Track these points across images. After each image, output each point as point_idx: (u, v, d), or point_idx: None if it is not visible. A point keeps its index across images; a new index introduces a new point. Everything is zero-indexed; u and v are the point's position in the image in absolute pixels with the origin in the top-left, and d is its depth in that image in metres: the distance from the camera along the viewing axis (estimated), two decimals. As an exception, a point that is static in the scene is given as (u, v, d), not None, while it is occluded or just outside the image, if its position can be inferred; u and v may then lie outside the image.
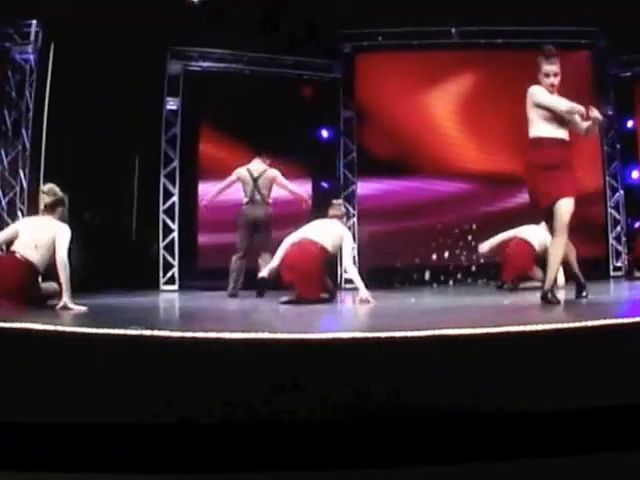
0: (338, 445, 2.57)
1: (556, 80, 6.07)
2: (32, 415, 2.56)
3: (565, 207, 6.06)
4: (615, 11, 9.76)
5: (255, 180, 9.23)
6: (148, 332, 3.67)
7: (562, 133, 6.06)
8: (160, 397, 2.69)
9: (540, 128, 6.04)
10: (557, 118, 6.00)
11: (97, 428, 2.51)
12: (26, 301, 6.59)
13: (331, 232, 7.83)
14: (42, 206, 6.92)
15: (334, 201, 8.38)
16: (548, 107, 5.94)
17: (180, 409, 2.65)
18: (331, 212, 8.12)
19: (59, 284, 6.57)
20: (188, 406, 2.66)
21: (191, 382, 2.77)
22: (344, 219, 8.26)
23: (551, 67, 6.07)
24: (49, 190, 6.95)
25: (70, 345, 3.41)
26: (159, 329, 3.75)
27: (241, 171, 9.40)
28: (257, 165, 9.41)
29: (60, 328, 3.93)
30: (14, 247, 6.78)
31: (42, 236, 6.75)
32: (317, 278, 7.65)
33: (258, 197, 9.20)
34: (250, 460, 2.48)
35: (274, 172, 9.35)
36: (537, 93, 5.99)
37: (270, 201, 9.25)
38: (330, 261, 8.25)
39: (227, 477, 2.45)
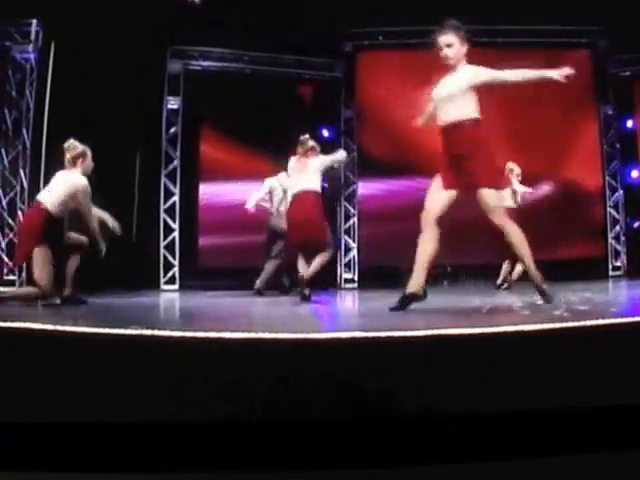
0: (338, 445, 2.57)
1: (450, 51, 5.87)
2: (32, 415, 2.57)
3: (491, 201, 5.58)
4: (615, 10, 9.76)
5: (284, 192, 9.42)
6: (148, 332, 3.68)
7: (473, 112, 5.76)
8: (161, 397, 2.70)
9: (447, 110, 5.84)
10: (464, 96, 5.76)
11: (97, 428, 2.51)
12: (45, 244, 6.94)
13: (314, 174, 8.13)
14: (65, 162, 7.27)
15: (301, 137, 8.39)
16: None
17: (180, 408, 2.66)
18: (301, 149, 8.28)
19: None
20: (188, 406, 2.67)
21: (191, 382, 2.78)
22: (313, 152, 8.33)
23: (441, 38, 5.87)
24: (69, 146, 7.27)
25: (70, 345, 3.42)
26: (159, 329, 3.75)
27: (273, 182, 9.79)
28: (284, 178, 9.54)
29: (60, 328, 3.94)
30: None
31: (56, 184, 7.22)
32: (323, 225, 8.12)
33: (283, 209, 9.40)
34: (250, 460, 2.48)
35: None
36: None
37: None
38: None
39: (227, 477, 2.45)
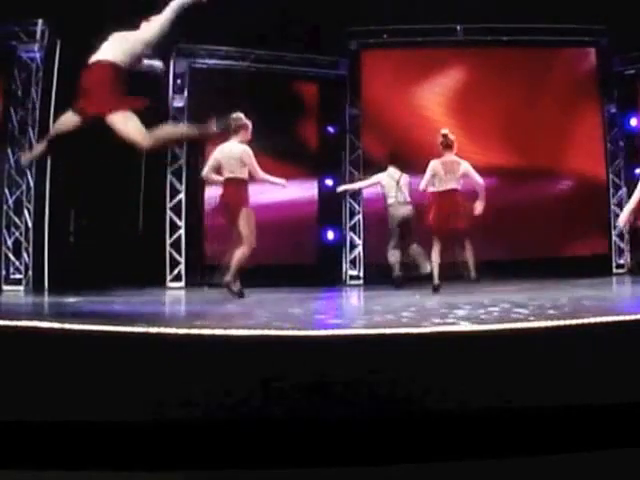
0: (339, 442, 2.59)
1: None
2: (35, 413, 2.59)
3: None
4: (619, 8, 9.77)
5: (397, 183, 10.25)
6: (154, 329, 3.72)
7: None
8: (166, 395, 2.72)
9: None
10: None
11: (102, 426, 2.54)
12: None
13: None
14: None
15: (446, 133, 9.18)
16: None
17: (185, 406, 2.68)
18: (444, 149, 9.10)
19: None
20: (193, 403, 2.69)
21: (196, 379, 2.80)
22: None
23: None
24: (235, 117, 8.12)
25: (76, 343, 3.45)
26: (165, 326, 3.79)
27: (382, 176, 10.46)
28: (394, 171, 10.37)
29: (66, 326, 3.97)
30: None
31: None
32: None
33: (401, 198, 10.23)
34: (253, 458, 2.50)
35: (407, 176, 10.37)
36: None
37: (410, 200, 10.22)
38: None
39: (230, 475, 2.47)
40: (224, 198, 8.22)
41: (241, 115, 8.19)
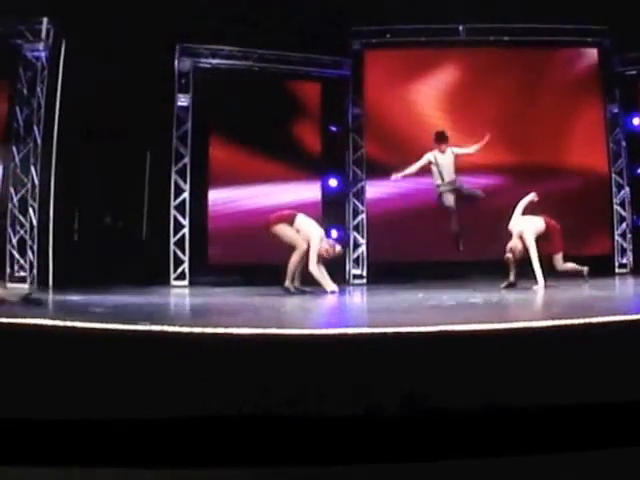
0: (341, 441, 2.61)
1: None
2: (36, 411, 2.61)
3: None
4: (621, 9, 9.78)
5: (438, 165, 10.43)
6: (157, 327, 3.74)
7: None
8: (169, 393, 2.74)
9: None
10: None
11: (102, 424, 2.56)
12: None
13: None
14: None
15: None
16: None
17: (188, 404, 2.70)
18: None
19: None
20: (197, 401, 2.71)
21: (199, 377, 2.82)
22: None
23: None
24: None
25: (80, 341, 3.47)
26: (169, 324, 3.81)
27: (430, 156, 10.45)
28: (437, 153, 10.43)
29: (69, 324, 4.00)
30: None
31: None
32: None
33: (447, 179, 10.41)
34: (254, 455, 2.52)
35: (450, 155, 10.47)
36: None
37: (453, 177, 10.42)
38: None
39: (228, 473, 2.49)
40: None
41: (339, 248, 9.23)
